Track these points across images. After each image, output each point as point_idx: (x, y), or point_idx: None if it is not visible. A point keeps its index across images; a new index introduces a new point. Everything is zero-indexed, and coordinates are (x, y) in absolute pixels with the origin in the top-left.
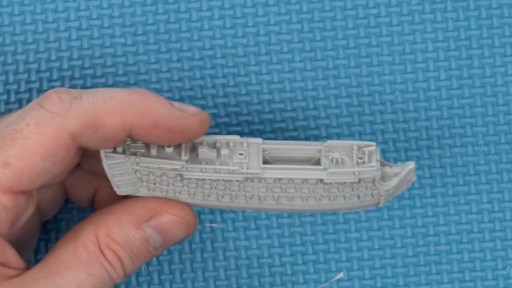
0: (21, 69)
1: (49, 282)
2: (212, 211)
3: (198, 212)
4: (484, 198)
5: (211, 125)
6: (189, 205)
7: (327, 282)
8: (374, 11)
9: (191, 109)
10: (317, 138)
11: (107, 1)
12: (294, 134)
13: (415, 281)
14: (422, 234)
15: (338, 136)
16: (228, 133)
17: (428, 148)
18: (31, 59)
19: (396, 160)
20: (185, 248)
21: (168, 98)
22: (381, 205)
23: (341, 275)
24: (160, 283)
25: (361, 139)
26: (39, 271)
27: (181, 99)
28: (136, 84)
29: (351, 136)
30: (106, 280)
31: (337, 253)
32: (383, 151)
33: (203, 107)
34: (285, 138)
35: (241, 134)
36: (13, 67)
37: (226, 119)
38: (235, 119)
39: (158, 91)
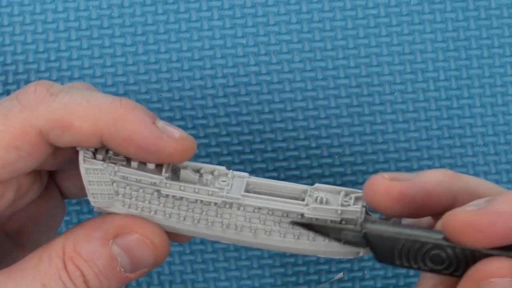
0: (20, 70)
1: (2, 286)
2: None
3: None
4: None
5: (210, 125)
6: (160, 228)
7: (327, 282)
8: (374, 12)
9: (176, 133)
10: (316, 138)
11: (106, 1)
12: (294, 134)
13: (415, 282)
14: None
15: (338, 137)
16: (228, 133)
17: (428, 149)
18: (30, 59)
19: (396, 161)
20: (185, 249)
21: (168, 98)
22: (361, 254)
23: (341, 275)
24: (160, 283)
25: (360, 140)
26: (1, 275)
27: (180, 100)
28: (135, 84)
29: (350, 136)
30: None
31: None
32: (383, 151)
33: (202, 107)
34: (285, 139)
35: (240, 134)
36: (13, 68)
37: (226, 119)
38: (235, 119)
39: (157, 91)
